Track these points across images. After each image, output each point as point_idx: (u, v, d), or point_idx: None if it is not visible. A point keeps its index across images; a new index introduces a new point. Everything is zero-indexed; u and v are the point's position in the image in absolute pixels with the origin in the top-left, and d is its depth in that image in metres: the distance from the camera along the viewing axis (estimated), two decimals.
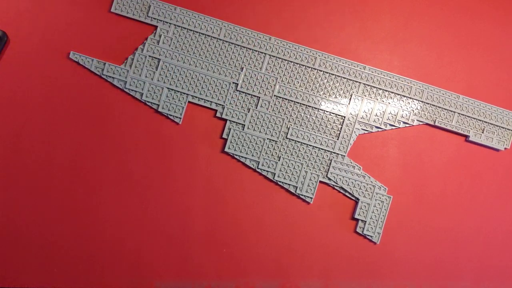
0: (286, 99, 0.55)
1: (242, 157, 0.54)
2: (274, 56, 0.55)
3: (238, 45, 0.55)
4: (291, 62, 0.55)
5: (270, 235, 0.54)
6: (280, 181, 0.54)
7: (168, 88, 0.54)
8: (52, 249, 0.52)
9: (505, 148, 0.57)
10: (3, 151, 0.53)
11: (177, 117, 0.54)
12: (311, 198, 0.54)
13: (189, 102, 0.55)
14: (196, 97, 0.54)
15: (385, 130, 0.56)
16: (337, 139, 0.55)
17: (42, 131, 0.53)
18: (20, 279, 0.52)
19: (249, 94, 0.55)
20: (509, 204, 0.58)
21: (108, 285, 0.52)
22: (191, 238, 0.54)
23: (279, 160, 0.54)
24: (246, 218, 0.54)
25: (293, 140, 0.55)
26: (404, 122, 0.56)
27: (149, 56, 0.54)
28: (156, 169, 0.54)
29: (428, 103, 0.56)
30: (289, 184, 0.54)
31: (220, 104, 0.55)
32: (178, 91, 0.54)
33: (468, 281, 0.56)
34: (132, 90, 0.54)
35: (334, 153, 0.55)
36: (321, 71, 0.55)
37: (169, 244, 0.53)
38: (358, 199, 0.55)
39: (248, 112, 0.54)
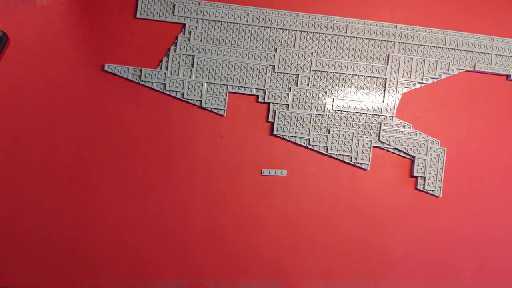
0: (325, 71, 0.55)
1: (292, 136, 0.54)
2: (305, 31, 0.55)
3: (268, 27, 0.55)
4: (323, 34, 0.55)
5: (270, 235, 0.54)
6: (334, 154, 0.54)
7: (207, 82, 0.54)
8: (52, 249, 0.52)
9: None
10: (3, 151, 0.52)
11: (221, 109, 0.54)
12: (368, 164, 0.55)
13: (229, 92, 0.55)
14: (236, 86, 0.54)
15: (428, 84, 0.56)
16: (383, 102, 0.55)
17: (41, 131, 0.53)
18: (20, 279, 0.52)
19: (287, 73, 0.55)
20: None
21: (108, 285, 0.52)
22: (191, 238, 0.53)
23: (329, 133, 0.54)
24: (246, 218, 0.54)
25: (339, 111, 0.55)
26: (445, 73, 0.56)
27: (183, 54, 0.54)
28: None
29: (464, 50, 0.56)
30: (343, 155, 0.55)
31: (260, 89, 0.55)
32: (218, 84, 0.54)
33: (468, 281, 0.56)
34: (173, 91, 0.54)
35: (382, 115, 0.55)
36: (354, 37, 0.55)
37: (169, 244, 0.53)
38: (414, 156, 0.55)
39: (290, 91, 0.55)
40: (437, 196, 0.55)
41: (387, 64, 0.55)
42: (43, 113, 0.53)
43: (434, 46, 0.56)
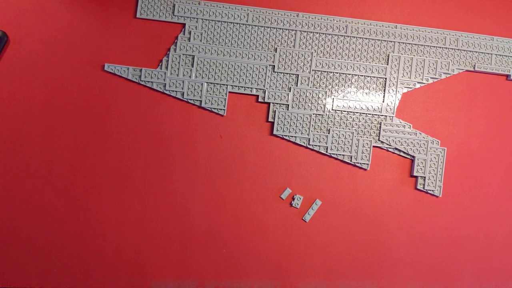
0: (325, 71, 0.55)
1: (292, 136, 0.54)
2: (305, 31, 0.55)
3: (268, 27, 0.55)
4: (323, 33, 0.55)
5: (270, 235, 0.54)
6: (333, 154, 0.54)
7: (207, 82, 0.54)
8: (52, 249, 0.52)
9: None
10: (3, 151, 0.52)
11: (220, 109, 0.54)
12: (368, 164, 0.55)
13: (229, 92, 0.55)
14: (236, 86, 0.54)
15: (428, 84, 0.56)
16: (383, 102, 0.55)
17: (41, 131, 0.53)
18: (20, 279, 0.52)
19: (287, 73, 0.55)
20: None
21: (108, 285, 0.52)
22: (191, 238, 0.53)
23: (329, 133, 0.54)
24: (246, 218, 0.54)
25: (339, 110, 0.55)
26: (445, 73, 0.56)
27: (183, 54, 0.54)
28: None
29: (464, 50, 0.56)
30: (343, 155, 0.54)
31: (260, 89, 0.55)
32: (217, 84, 0.54)
33: (468, 281, 0.55)
34: (173, 91, 0.54)
35: (382, 115, 0.55)
36: (354, 37, 0.55)
37: (169, 244, 0.53)
38: (413, 156, 0.55)
39: (290, 91, 0.54)
40: (437, 196, 0.55)
41: (387, 64, 0.55)
42: (43, 113, 0.53)
43: (434, 46, 0.56)
